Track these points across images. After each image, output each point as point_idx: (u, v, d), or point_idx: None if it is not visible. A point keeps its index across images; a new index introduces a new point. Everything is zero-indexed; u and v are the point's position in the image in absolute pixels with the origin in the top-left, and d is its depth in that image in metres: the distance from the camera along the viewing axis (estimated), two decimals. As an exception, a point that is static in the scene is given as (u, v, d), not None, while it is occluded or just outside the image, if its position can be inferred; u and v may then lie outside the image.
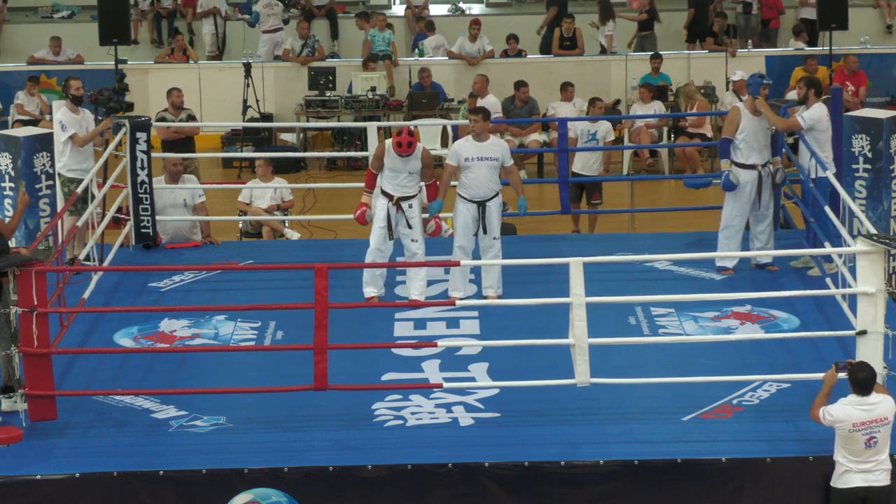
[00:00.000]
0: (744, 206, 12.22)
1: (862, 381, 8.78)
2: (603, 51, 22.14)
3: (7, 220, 11.48)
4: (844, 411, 8.75)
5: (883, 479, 8.77)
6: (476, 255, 11.95)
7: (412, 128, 11.98)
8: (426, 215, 11.85)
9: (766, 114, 12.10)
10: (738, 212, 12.26)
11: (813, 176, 12.06)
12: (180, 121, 16.63)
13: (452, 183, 11.97)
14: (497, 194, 11.83)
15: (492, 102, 17.81)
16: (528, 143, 19.52)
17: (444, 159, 12.23)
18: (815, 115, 12.04)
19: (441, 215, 11.92)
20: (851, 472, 8.75)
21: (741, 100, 19.38)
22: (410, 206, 11.70)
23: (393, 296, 11.94)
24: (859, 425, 8.71)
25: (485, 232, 11.80)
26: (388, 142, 11.64)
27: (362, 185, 12.01)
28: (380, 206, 11.71)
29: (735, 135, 12.15)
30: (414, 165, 11.61)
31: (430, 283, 12.10)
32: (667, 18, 23.25)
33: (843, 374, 8.94)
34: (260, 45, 22.32)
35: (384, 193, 11.70)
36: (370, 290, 11.77)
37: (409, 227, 11.71)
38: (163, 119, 16.71)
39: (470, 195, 11.76)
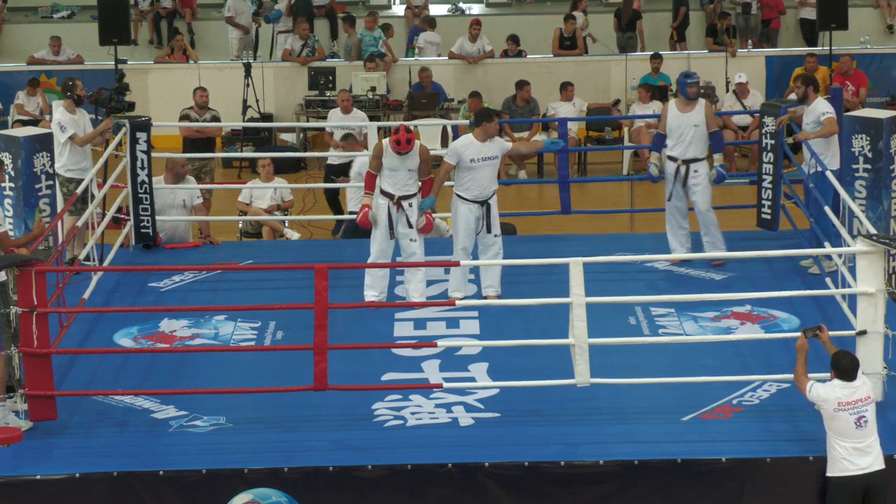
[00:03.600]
0: (675, 195, 12.64)
1: (846, 367, 8.81)
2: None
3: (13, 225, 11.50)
4: (831, 390, 8.77)
5: (878, 463, 8.73)
6: (475, 254, 11.94)
7: (410, 126, 11.93)
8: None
9: (809, 135, 12.18)
10: (674, 201, 12.68)
11: (812, 173, 12.09)
12: (204, 120, 16.65)
13: (448, 183, 11.96)
14: (495, 192, 11.83)
15: (360, 116, 17.74)
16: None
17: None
18: (831, 107, 12.19)
19: (438, 215, 11.87)
20: (848, 458, 8.70)
21: (741, 101, 19.51)
22: (411, 206, 11.68)
23: (393, 296, 11.93)
24: (845, 405, 8.71)
25: (488, 231, 11.80)
26: (386, 141, 11.60)
27: (362, 185, 12.00)
28: (381, 207, 11.69)
29: (664, 129, 12.66)
30: (413, 162, 11.59)
31: (429, 283, 12.09)
32: (655, 18, 23.25)
33: (811, 335, 9.16)
34: (279, 44, 22.20)
35: (384, 193, 11.68)
36: (371, 294, 11.74)
37: (410, 226, 11.69)
38: (186, 117, 16.71)
39: (473, 196, 11.74)
